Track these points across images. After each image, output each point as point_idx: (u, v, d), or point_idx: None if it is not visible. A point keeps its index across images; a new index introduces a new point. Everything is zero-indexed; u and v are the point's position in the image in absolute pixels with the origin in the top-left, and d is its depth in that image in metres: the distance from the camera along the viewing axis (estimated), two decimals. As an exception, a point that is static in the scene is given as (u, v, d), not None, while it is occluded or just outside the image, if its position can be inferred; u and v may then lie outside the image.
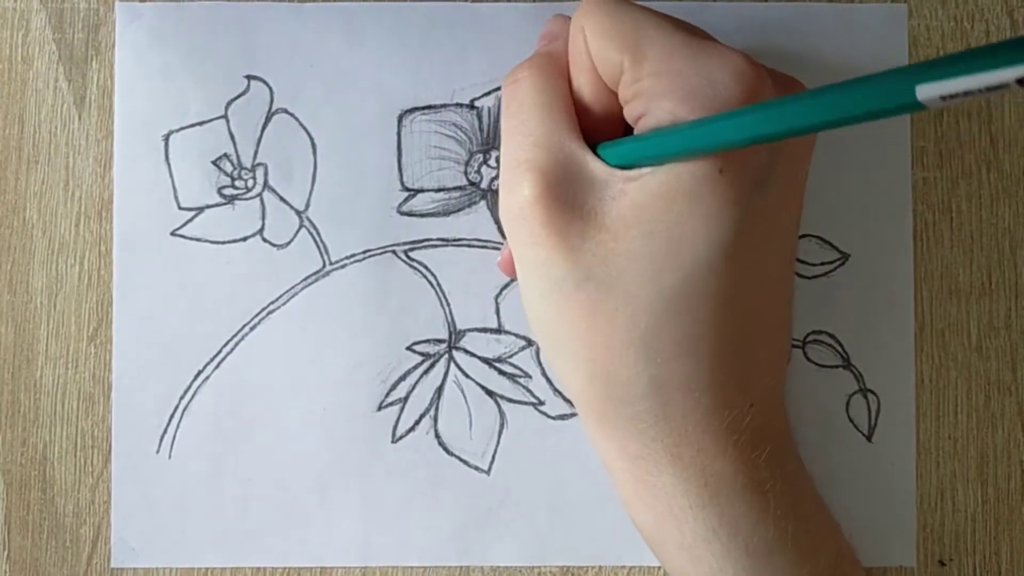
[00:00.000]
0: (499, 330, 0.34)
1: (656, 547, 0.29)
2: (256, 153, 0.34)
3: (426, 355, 0.34)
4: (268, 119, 0.34)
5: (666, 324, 0.26)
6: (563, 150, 0.27)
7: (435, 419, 0.34)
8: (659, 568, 0.33)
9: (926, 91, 0.18)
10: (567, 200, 0.26)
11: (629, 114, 0.27)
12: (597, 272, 0.26)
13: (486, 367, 0.34)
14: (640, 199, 0.26)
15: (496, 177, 0.34)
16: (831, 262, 0.34)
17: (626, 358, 0.26)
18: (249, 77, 0.34)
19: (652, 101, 0.26)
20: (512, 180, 0.27)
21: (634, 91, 0.27)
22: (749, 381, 0.27)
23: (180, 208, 0.34)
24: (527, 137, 0.27)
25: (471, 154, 0.34)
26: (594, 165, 0.27)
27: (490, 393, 0.34)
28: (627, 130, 0.29)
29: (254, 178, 0.34)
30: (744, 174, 0.26)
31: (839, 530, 0.29)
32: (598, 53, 0.27)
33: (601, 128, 0.29)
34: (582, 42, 0.28)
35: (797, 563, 0.27)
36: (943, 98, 0.18)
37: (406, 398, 0.34)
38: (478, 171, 0.34)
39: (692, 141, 0.24)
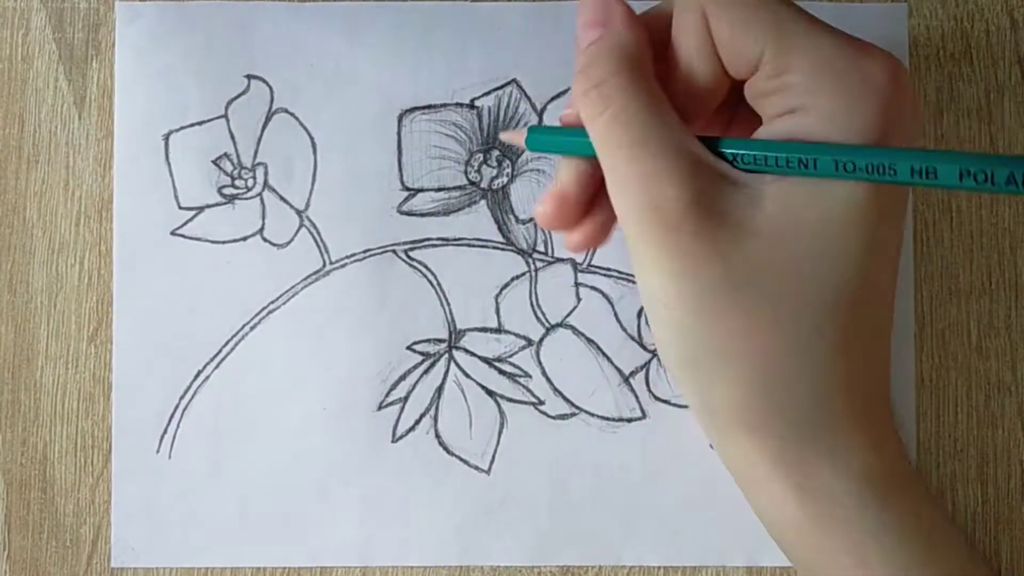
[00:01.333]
0: (499, 330, 0.34)
1: (809, 555, 0.28)
2: (256, 153, 0.34)
3: (426, 355, 0.34)
4: (268, 119, 0.34)
5: (826, 325, 0.26)
6: (690, 155, 0.25)
7: (435, 419, 0.34)
8: (659, 568, 0.33)
9: None
10: (712, 207, 0.25)
11: (765, 108, 0.26)
12: (753, 278, 0.25)
13: (486, 367, 0.34)
14: (791, 205, 0.25)
15: (496, 176, 0.34)
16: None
17: (786, 363, 0.26)
18: (249, 77, 0.34)
19: (805, 100, 0.25)
20: (643, 195, 0.25)
21: (777, 84, 0.25)
22: (885, 374, 0.28)
23: (180, 208, 0.34)
24: (643, 148, 0.25)
25: (471, 154, 0.34)
26: (722, 166, 0.26)
27: (490, 393, 0.34)
28: (725, 117, 0.28)
29: (254, 178, 0.34)
30: (887, 200, 0.25)
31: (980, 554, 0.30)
32: (728, 41, 0.26)
33: (693, 116, 0.27)
34: (701, 26, 0.26)
35: (956, 546, 0.27)
36: None
37: (406, 398, 0.34)
38: (478, 171, 0.34)
39: (863, 173, 0.24)
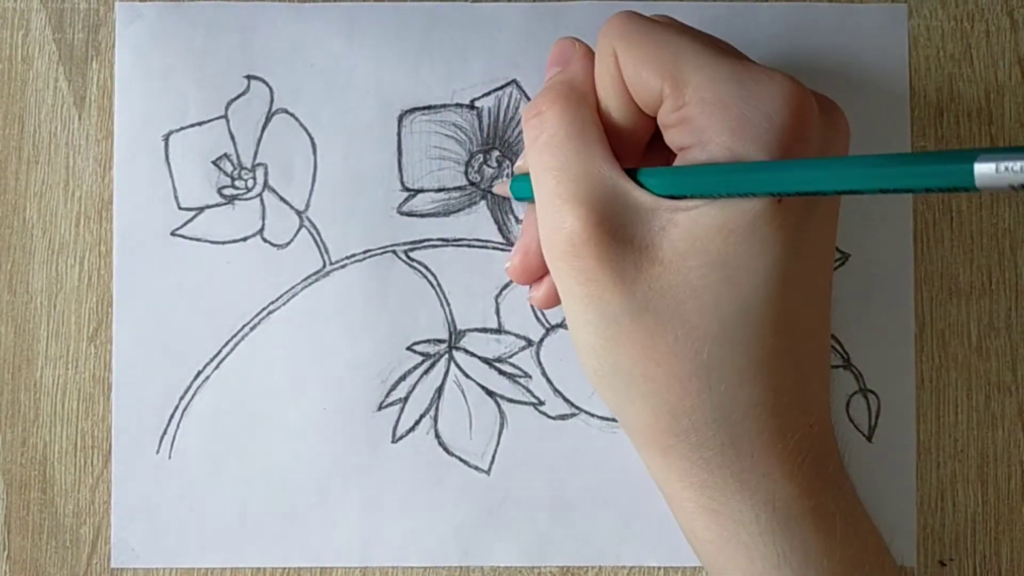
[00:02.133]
0: (499, 330, 0.34)
1: (716, 572, 0.28)
2: (256, 153, 0.34)
3: (426, 355, 0.34)
4: (268, 119, 0.34)
5: (728, 352, 0.26)
6: (605, 181, 0.26)
7: (435, 419, 0.34)
8: (659, 568, 0.33)
9: (983, 171, 0.19)
10: (617, 233, 0.26)
11: (672, 140, 0.27)
12: (655, 304, 0.26)
13: (486, 367, 0.34)
14: (695, 231, 0.25)
15: (496, 177, 0.34)
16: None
17: (689, 388, 0.26)
18: (249, 77, 0.34)
19: (703, 133, 0.25)
20: (557, 218, 0.27)
21: (677, 118, 0.26)
22: (807, 401, 0.28)
23: (180, 208, 0.34)
24: (564, 172, 0.27)
25: (471, 154, 0.34)
26: (637, 194, 0.26)
27: (490, 393, 0.34)
28: (656, 151, 0.29)
29: (254, 178, 0.34)
30: (799, 205, 0.26)
31: (886, 546, 0.29)
32: (633, 78, 0.27)
33: (628, 150, 0.28)
34: (612, 65, 0.27)
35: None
36: (1000, 182, 0.19)
37: (406, 398, 0.34)
38: (478, 171, 0.34)
39: (758, 185, 0.24)
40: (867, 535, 0.28)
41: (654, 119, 0.28)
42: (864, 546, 0.28)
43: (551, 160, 0.27)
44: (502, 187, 0.32)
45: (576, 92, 0.28)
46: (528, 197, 0.30)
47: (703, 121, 0.25)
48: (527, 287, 0.33)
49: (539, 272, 0.31)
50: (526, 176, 0.30)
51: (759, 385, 0.26)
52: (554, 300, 0.31)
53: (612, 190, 0.26)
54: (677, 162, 0.27)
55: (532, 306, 0.33)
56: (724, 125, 0.25)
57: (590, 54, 0.29)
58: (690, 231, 0.26)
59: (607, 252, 0.26)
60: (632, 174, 0.27)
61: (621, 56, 0.27)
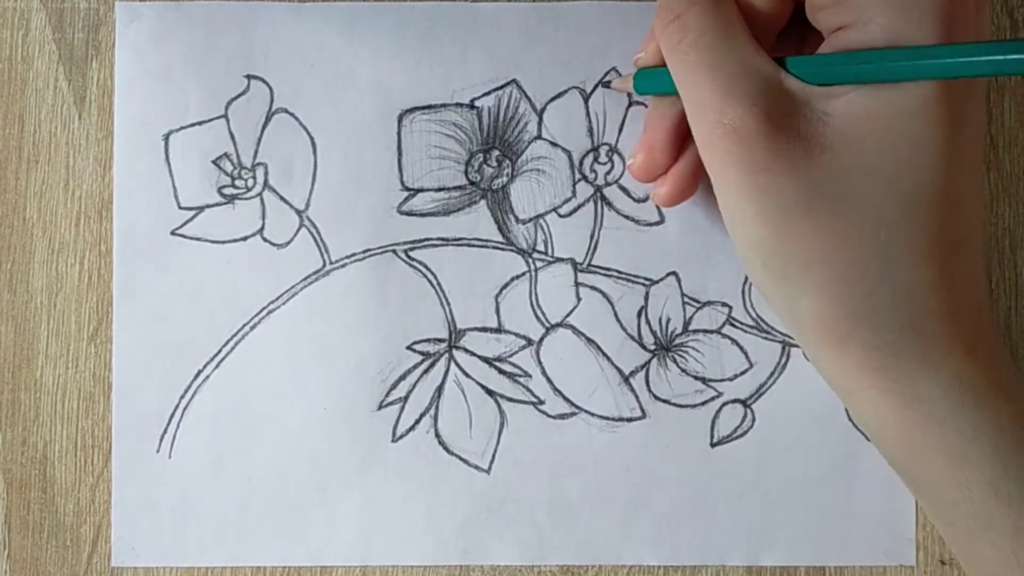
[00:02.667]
0: (499, 329, 0.34)
1: (908, 459, 0.28)
2: (256, 153, 0.34)
3: (426, 354, 0.34)
4: (268, 119, 0.34)
5: (905, 231, 0.26)
6: (761, 73, 0.27)
7: (435, 418, 0.34)
8: (659, 567, 0.33)
9: None
10: (783, 123, 0.26)
11: (824, 21, 0.27)
12: (828, 190, 0.26)
13: (486, 366, 0.34)
14: (859, 116, 0.26)
15: (496, 176, 0.34)
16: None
17: (869, 270, 0.26)
18: (249, 77, 0.34)
19: (862, 12, 0.25)
20: (717, 114, 0.27)
21: None
22: (975, 276, 0.28)
23: (180, 208, 0.34)
24: (718, 70, 0.27)
25: (471, 154, 0.34)
26: (791, 83, 0.27)
27: (490, 392, 0.34)
28: (793, 34, 0.29)
29: (254, 178, 0.34)
30: (963, 83, 0.26)
31: None
32: None
33: (763, 36, 0.28)
34: None
35: None
36: None
37: (406, 397, 0.34)
38: (478, 171, 0.34)
39: (929, 71, 0.24)
40: None
41: (793, 6, 0.28)
42: None
43: (701, 59, 0.27)
44: (623, 82, 0.32)
45: None
46: (655, 92, 0.30)
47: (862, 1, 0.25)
48: (527, 284, 0.33)
49: (662, 169, 0.31)
50: (653, 70, 0.30)
51: (935, 263, 0.26)
52: (678, 197, 0.31)
53: (767, 81, 0.27)
54: (829, 44, 0.27)
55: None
56: (885, 3, 0.25)
57: None
58: (854, 116, 0.26)
59: (776, 142, 0.26)
60: (779, 63, 0.27)
61: None
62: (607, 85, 0.33)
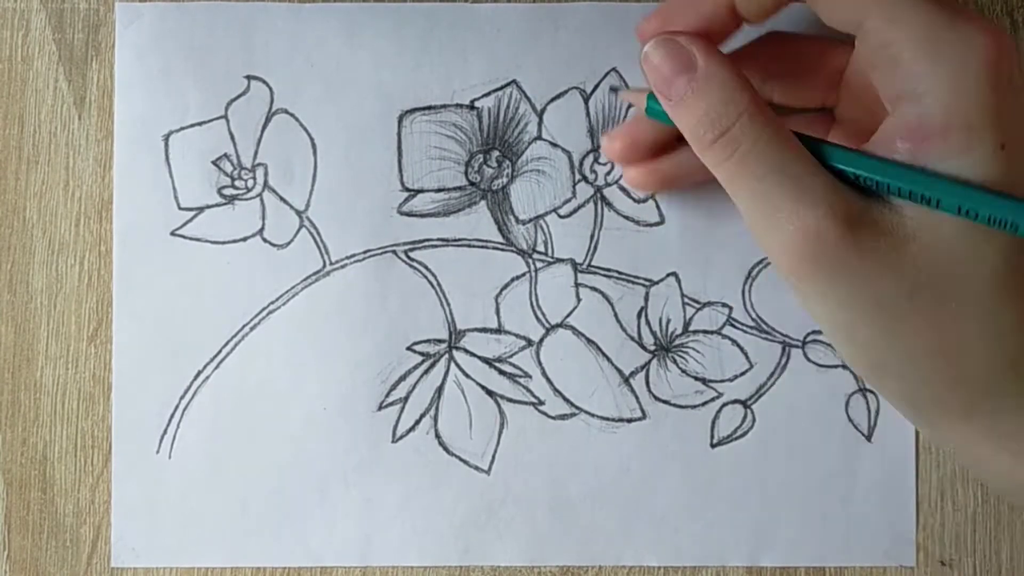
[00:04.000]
0: (499, 330, 0.34)
1: None
2: (256, 153, 0.34)
3: (426, 355, 0.34)
4: (268, 119, 0.34)
5: (1002, 301, 0.26)
6: (824, 175, 0.26)
7: (435, 419, 0.34)
8: (659, 568, 0.33)
9: None
10: (863, 221, 0.25)
11: (879, 84, 0.26)
12: (924, 279, 0.25)
13: (486, 367, 0.34)
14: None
15: (496, 177, 0.34)
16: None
17: (979, 348, 0.26)
18: (249, 77, 0.34)
19: (916, 83, 0.25)
20: (796, 220, 0.25)
21: (884, 58, 0.25)
22: None
23: (180, 208, 0.34)
24: (785, 173, 0.26)
25: (471, 154, 0.34)
26: (844, 189, 0.26)
27: (490, 393, 0.34)
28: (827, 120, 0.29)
29: (254, 178, 0.34)
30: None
31: None
32: (827, 5, 0.26)
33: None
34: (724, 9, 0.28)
35: None
36: None
37: (406, 398, 0.34)
38: (478, 171, 0.34)
39: (985, 222, 0.24)
40: None
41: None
42: None
43: (758, 167, 0.26)
44: (634, 96, 0.30)
45: (748, 91, 0.27)
46: (666, 121, 0.29)
47: (917, 67, 0.25)
48: (527, 285, 0.33)
49: (641, 153, 0.31)
50: None
51: None
52: (648, 187, 0.32)
53: (833, 182, 0.26)
54: (885, 130, 0.26)
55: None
56: (939, 73, 0.24)
57: (711, 44, 0.28)
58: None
59: (862, 241, 0.25)
60: (829, 158, 0.26)
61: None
62: (615, 89, 0.33)
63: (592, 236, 0.34)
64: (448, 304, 0.34)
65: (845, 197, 0.25)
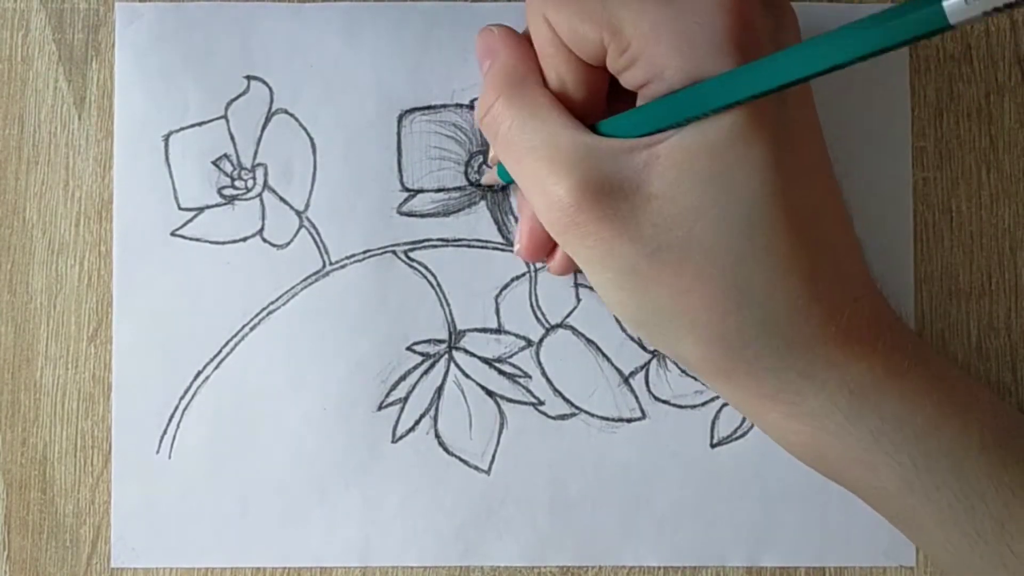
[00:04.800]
0: (499, 330, 0.34)
1: (824, 468, 0.29)
2: (256, 153, 0.34)
3: (426, 355, 0.34)
4: (268, 119, 0.34)
5: (750, 258, 0.26)
6: (574, 145, 0.27)
7: (435, 419, 0.34)
8: (659, 568, 0.33)
9: (954, 5, 0.19)
10: (603, 187, 0.26)
11: (629, 83, 0.27)
12: (665, 239, 0.26)
13: (486, 367, 0.34)
14: (678, 157, 0.26)
15: (496, 177, 0.34)
16: None
17: (728, 306, 0.26)
18: (249, 77, 0.34)
19: (654, 66, 0.26)
20: (544, 196, 0.27)
21: (626, 60, 0.26)
22: (844, 279, 0.28)
23: (180, 208, 0.34)
24: (533, 152, 0.27)
25: (471, 154, 0.34)
26: (607, 143, 0.27)
27: (490, 393, 0.34)
28: (617, 98, 0.29)
29: (254, 178, 0.34)
30: (769, 101, 0.26)
31: (976, 383, 0.29)
32: (572, 37, 0.27)
33: (593, 107, 0.29)
34: (548, 31, 0.28)
35: (965, 429, 0.27)
36: (973, 11, 0.19)
37: (406, 398, 0.34)
38: (478, 171, 0.34)
39: (723, 99, 0.24)
40: (952, 381, 0.28)
41: (606, 69, 0.28)
42: (952, 390, 0.27)
43: (517, 146, 0.28)
44: (490, 175, 0.33)
45: (513, 76, 0.28)
46: (511, 181, 0.31)
47: (650, 53, 0.26)
48: (527, 285, 0.33)
49: (548, 246, 0.31)
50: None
51: (792, 278, 0.26)
52: (571, 266, 0.32)
53: (583, 150, 0.27)
54: (640, 99, 0.27)
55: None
56: (671, 50, 0.25)
57: (512, 34, 0.30)
58: (673, 158, 0.26)
59: (600, 208, 0.26)
60: (594, 129, 0.27)
61: (553, 20, 0.27)
62: (477, 182, 0.34)
63: (592, 236, 0.34)
64: (448, 304, 0.34)
65: (590, 166, 0.26)
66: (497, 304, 0.34)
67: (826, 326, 0.27)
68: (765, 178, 0.26)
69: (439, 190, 0.34)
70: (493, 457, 0.34)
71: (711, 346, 0.27)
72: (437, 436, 0.34)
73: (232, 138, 0.34)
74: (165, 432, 0.33)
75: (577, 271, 0.33)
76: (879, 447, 0.27)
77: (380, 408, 0.34)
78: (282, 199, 0.34)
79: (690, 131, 0.26)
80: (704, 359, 0.27)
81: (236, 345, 0.34)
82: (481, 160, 0.34)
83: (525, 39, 0.29)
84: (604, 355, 0.34)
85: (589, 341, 0.34)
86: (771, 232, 0.26)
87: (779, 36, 0.27)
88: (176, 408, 0.33)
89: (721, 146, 0.25)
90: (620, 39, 0.26)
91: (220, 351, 0.34)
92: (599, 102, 0.29)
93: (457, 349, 0.34)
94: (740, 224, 0.26)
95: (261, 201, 0.34)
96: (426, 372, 0.34)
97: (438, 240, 0.34)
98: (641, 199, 0.26)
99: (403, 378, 0.34)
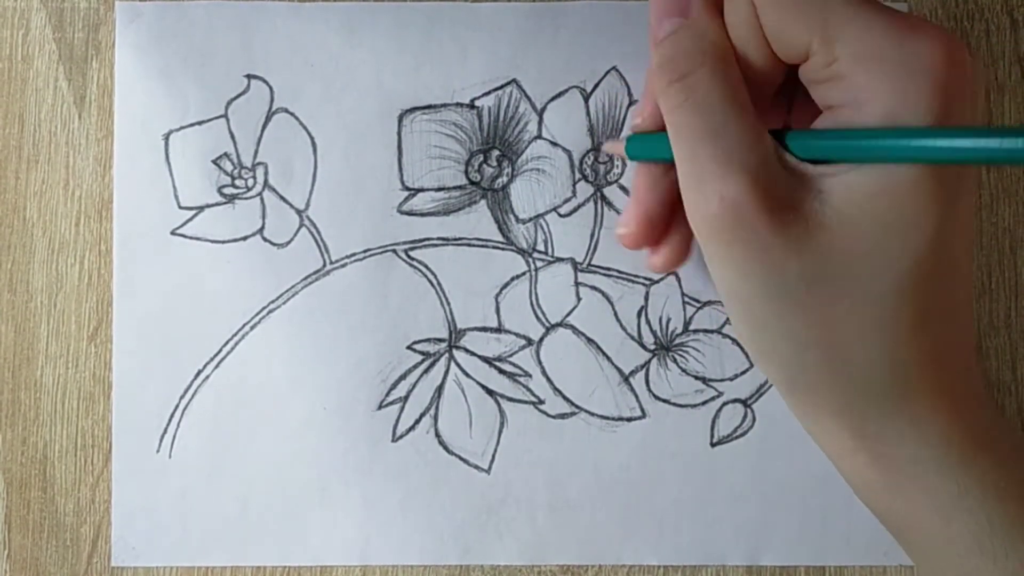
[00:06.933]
0: (499, 329, 0.34)
1: (895, 516, 0.28)
2: (256, 152, 0.34)
3: (426, 354, 0.34)
4: (268, 118, 0.34)
5: (901, 308, 0.26)
6: (762, 146, 0.26)
7: (435, 418, 0.34)
8: (659, 567, 0.33)
9: None
10: (784, 201, 0.25)
11: (821, 97, 0.26)
12: (829, 269, 0.25)
13: (486, 366, 0.34)
14: (856, 195, 0.25)
15: (496, 176, 0.34)
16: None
17: (867, 347, 0.26)
18: (249, 77, 0.34)
19: (858, 93, 0.25)
20: (716, 187, 0.26)
21: (827, 75, 0.25)
22: (964, 344, 0.28)
23: (180, 207, 0.34)
24: (720, 139, 0.26)
25: (471, 153, 0.34)
26: (788, 159, 0.26)
27: (490, 392, 0.34)
28: (785, 100, 0.28)
29: (254, 177, 0.34)
30: (953, 174, 0.25)
31: None
32: (775, 29, 0.26)
33: (757, 102, 0.27)
34: (749, 13, 0.26)
35: None
36: None
37: (406, 397, 0.34)
38: (478, 170, 0.34)
39: (925, 153, 0.24)
40: None
41: (785, 69, 0.27)
42: None
43: (703, 125, 0.26)
44: (615, 146, 0.31)
45: (718, 48, 0.27)
46: (650, 158, 0.29)
47: (859, 80, 0.25)
48: (527, 284, 0.33)
49: (659, 236, 0.30)
50: (648, 135, 0.29)
51: (928, 335, 0.26)
52: (676, 264, 0.31)
53: (769, 155, 0.26)
54: (824, 120, 0.26)
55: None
56: (882, 85, 0.24)
57: (711, 2, 0.28)
58: (851, 195, 0.25)
59: (778, 220, 0.25)
60: (776, 136, 0.26)
61: (761, 6, 0.26)
62: (598, 148, 0.33)
63: (592, 235, 0.34)
64: (448, 303, 0.34)
65: (774, 175, 0.25)
66: (497, 303, 0.34)
67: (943, 385, 0.27)
68: (934, 236, 0.25)
69: (439, 189, 0.34)
70: (493, 456, 0.34)
71: (834, 379, 0.27)
72: (437, 435, 0.34)
73: (232, 137, 0.34)
74: (165, 431, 0.33)
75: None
76: (962, 501, 0.27)
77: (380, 407, 0.34)
78: (282, 198, 0.34)
79: (874, 171, 0.25)
80: (820, 390, 0.27)
81: (236, 345, 0.34)
82: (482, 159, 0.34)
83: (720, 9, 0.28)
84: (604, 354, 0.34)
85: (589, 340, 0.34)
86: (924, 289, 0.26)
87: (978, 97, 0.27)
88: (176, 407, 0.33)
89: (903, 196, 0.25)
90: (829, 52, 0.25)
91: (220, 351, 0.34)
92: (765, 96, 0.28)
93: (457, 348, 0.34)
94: (898, 275, 0.25)
95: (261, 200, 0.34)
96: (426, 371, 0.34)
97: (438, 239, 0.34)
98: (813, 224, 0.25)
99: (403, 377, 0.34)
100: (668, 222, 0.30)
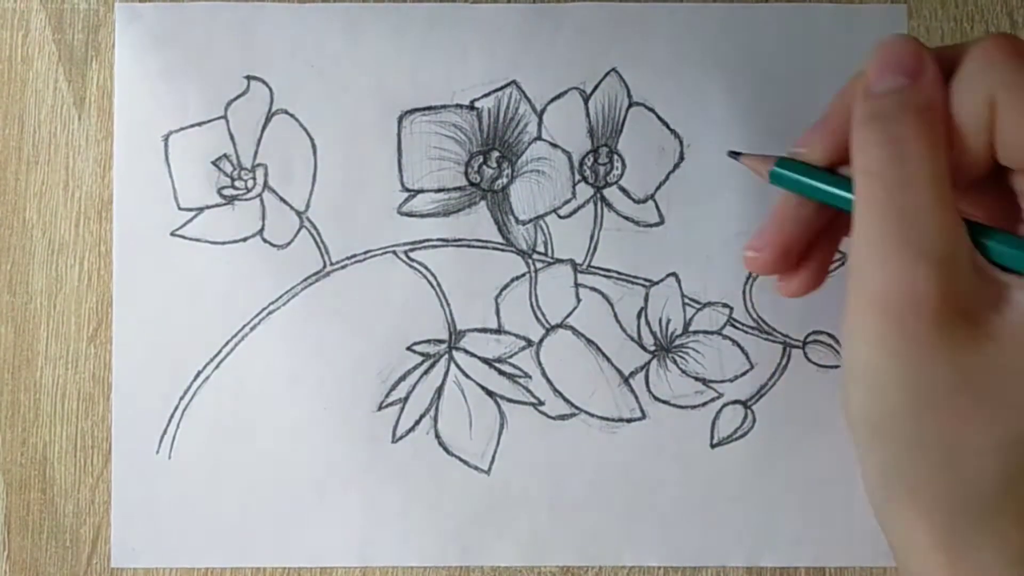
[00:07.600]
0: (499, 330, 0.34)
1: None
2: (256, 153, 0.34)
3: (426, 355, 0.34)
4: (268, 119, 0.34)
5: None
6: (957, 239, 0.24)
7: (435, 419, 0.34)
8: (659, 568, 0.33)
9: None
10: (959, 300, 0.24)
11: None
12: (978, 381, 0.24)
13: (486, 367, 0.34)
14: None
15: (496, 177, 0.34)
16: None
17: (991, 463, 0.25)
18: (249, 77, 0.34)
19: None
20: (899, 270, 0.24)
21: None
22: None
23: (180, 208, 0.34)
24: (918, 220, 0.24)
25: (471, 154, 0.34)
26: (978, 259, 0.24)
27: (490, 393, 0.34)
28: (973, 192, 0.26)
29: (254, 178, 0.34)
30: None
31: None
32: (1014, 135, 0.24)
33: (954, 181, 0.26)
34: (986, 107, 0.24)
35: None
36: None
37: (406, 398, 0.34)
38: (478, 171, 0.34)
39: None
40: None
41: (995, 164, 0.25)
42: None
43: (902, 200, 0.24)
44: (757, 163, 0.29)
45: (937, 125, 0.25)
46: (799, 191, 0.27)
47: None
48: (527, 285, 0.33)
49: (794, 263, 0.29)
50: (807, 169, 0.27)
51: None
52: (811, 290, 0.29)
53: (960, 248, 0.24)
54: None
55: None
56: None
57: (939, 72, 0.25)
58: None
59: (948, 320, 0.23)
60: (970, 230, 0.24)
61: (1006, 106, 0.24)
62: (735, 155, 0.30)
63: (592, 236, 0.34)
64: (448, 304, 0.34)
65: (962, 271, 0.24)
66: (497, 304, 0.34)
67: None
68: None
69: (439, 190, 0.34)
70: (493, 457, 0.34)
71: (938, 479, 0.25)
72: (437, 436, 0.34)
73: (232, 138, 0.34)
74: (165, 432, 0.33)
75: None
76: None
77: (380, 408, 0.34)
78: (282, 199, 0.34)
79: None
80: (917, 485, 0.25)
81: (236, 345, 0.34)
82: (482, 160, 0.34)
83: (945, 81, 0.26)
84: (604, 355, 0.34)
85: (589, 341, 0.34)
86: None
87: None
88: (176, 408, 0.33)
89: None
90: None
91: (220, 351, 0.34)
92: (958, 186, 0.26)
93: (457, 349, 0.34)
94: None
95: (261, 201, 0.34)
96: (426, 372, 0.34)
97: (438, 240, 0.34)
98: (983, 333, 0.24)
99: (403, 378, 0.34)
100: (804, 255, 0.29)
